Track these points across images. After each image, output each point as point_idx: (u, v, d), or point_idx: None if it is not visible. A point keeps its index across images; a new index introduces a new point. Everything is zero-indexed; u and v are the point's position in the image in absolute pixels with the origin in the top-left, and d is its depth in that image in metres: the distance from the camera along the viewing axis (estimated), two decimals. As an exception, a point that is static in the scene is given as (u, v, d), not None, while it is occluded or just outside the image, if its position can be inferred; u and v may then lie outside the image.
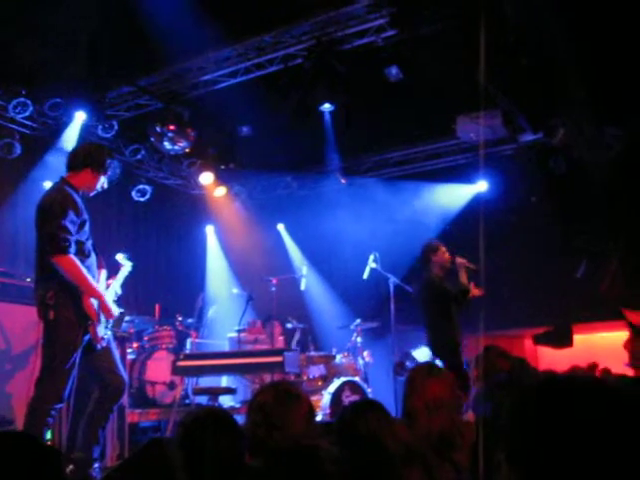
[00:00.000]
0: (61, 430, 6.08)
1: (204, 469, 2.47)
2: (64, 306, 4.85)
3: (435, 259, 7.34)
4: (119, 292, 5.56)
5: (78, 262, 4.87)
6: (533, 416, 1.39)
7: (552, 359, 10.07)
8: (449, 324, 7.24)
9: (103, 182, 5.33)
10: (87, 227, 5.11)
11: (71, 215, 4.89)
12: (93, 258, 5.18)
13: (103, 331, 5.07)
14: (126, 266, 5.77)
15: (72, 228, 4.89)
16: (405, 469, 3.01)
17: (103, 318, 5.07)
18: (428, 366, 4.28)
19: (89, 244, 5.15)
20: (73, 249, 4.87)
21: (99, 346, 5.04)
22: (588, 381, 1.46)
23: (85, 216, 5.08)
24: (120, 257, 5.83)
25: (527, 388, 1.48)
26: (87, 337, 4.96)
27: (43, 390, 4.77)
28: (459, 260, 7.24)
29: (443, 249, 7.38)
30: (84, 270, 4.90)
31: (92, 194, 5.34)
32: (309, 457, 1.91)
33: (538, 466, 1.35)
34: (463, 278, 7.26)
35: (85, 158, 5.22)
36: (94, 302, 4.97)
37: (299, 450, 2.11)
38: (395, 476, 2.91)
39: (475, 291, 7.30)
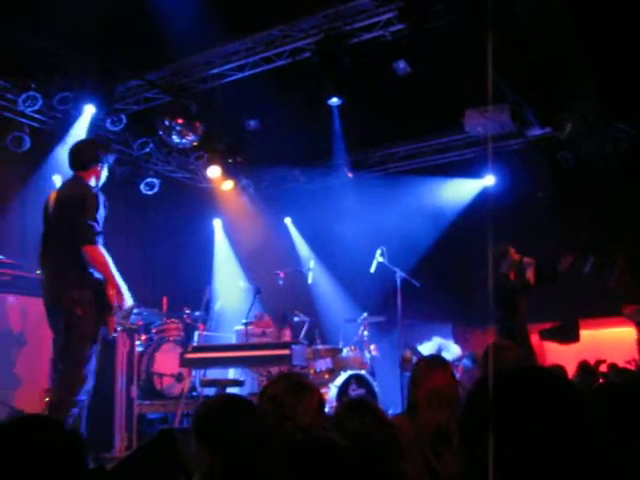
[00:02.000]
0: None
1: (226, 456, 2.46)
2: (89, 302, 5.01)
3: (505, 259, 7.89)
4: None
5: (106, 253, 5.10)
6: (477, 403, 1.42)
7: (559, 355, 10.07)
8: (516, 317, 7.80)
9: (105, 172, 5.59)
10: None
11: (101, 210, 5.14)
12: None
13: (118, 321, 5.22)
14: None
15: (100, 222, 5.14)
16: (403, 463, 3.05)
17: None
18: (431, 359, 4.31)
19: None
20: (101, 241, 5.11)
21: (113, 335, 5.29)
22: (538, 373, 1.49)
23: (106, 212, 5.28)
24: None
25: (481, 378, 1.51)
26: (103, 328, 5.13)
27: (65, 385, 4.91)
28: (527, 260, 7.91)
29: (513, 250, 7.97)
30: (110, 261, 5.12)
31: (100, 186, 5.52)
32: (323, 448, 1.94)
33: (481, 448, 1.37)
34: (529, 275, 7.90)
35: (91, 156, 5.43)
36: (114, 293, 5.13)
37: (313, 441, 2.13)
38: (394, 470, 2.94)
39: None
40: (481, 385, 1.47)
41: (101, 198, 5.19)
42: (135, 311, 7.98)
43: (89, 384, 4.96)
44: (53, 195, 5.40)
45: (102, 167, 5.48)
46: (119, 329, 5.32)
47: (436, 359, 4.25)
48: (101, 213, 5.14)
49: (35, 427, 1.67)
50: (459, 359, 9.04)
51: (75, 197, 5.18)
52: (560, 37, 7.43)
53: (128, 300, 5.27)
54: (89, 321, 4.99)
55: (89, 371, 4.96)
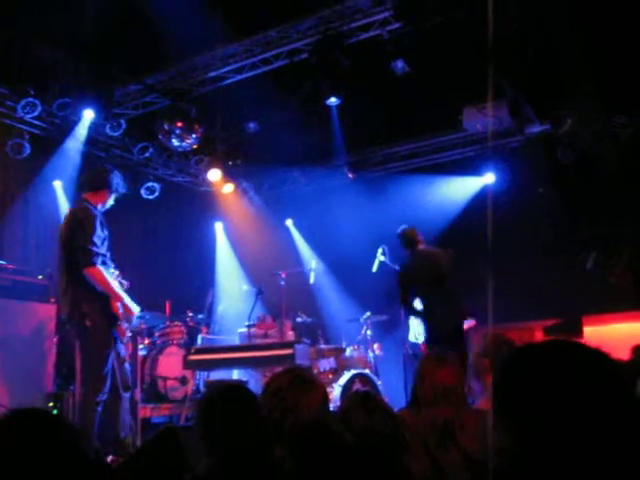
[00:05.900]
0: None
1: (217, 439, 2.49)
2: (97, 313, 5.50)
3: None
4: None
5: (105, 272, 5.54)
6: (515, 372, 1.42)
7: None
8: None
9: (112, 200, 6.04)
10: (107, 243, 5.72)
11: (98, 231, 5.55)
12: (110, 270, 5.76)
13: (127, 327, 5.82)
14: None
15: (98, 243, 5.54)
16: (406, 455, 3.04)
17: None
18: (438, 355, 4.30)
19: (107, 257, 5.75)
20: (99, 261, 5.53)
21: (124, 339, 5.84)
22: (567, 344, 1.49)
23: (106, 232, 5.71)
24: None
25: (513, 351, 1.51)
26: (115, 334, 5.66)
27: (87, 388, 5.44)
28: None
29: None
30: (110, 278, 5.58)
31: (104, 210, 5.93)
32: (324, 433, 1.94)
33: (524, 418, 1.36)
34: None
35: (103, 181, 5.91)
36: (119, 305, 5.63)
37: (313, 426, 2.13)
38: (398, 464, 2.93)
39: None
40: (514, 358, 1.46)
41: (98, 219, 5.60)
42: (138, 315, 8.25)
43: (107, 385, 5.43)
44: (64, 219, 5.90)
45: (111, 193, 5.91)
46: (129, 334, 5.99)
47: (444, 356, 4.25)
48: (99, 234, 5.54)
49: (32, 419, 1.66)
50: None
51: (73, 221, 5.62)
52: (557, 32, 7.43)
53: (134, 309, 5.78)
54: (99, 332, 5.47)
55: (106, 373, 5.44)
